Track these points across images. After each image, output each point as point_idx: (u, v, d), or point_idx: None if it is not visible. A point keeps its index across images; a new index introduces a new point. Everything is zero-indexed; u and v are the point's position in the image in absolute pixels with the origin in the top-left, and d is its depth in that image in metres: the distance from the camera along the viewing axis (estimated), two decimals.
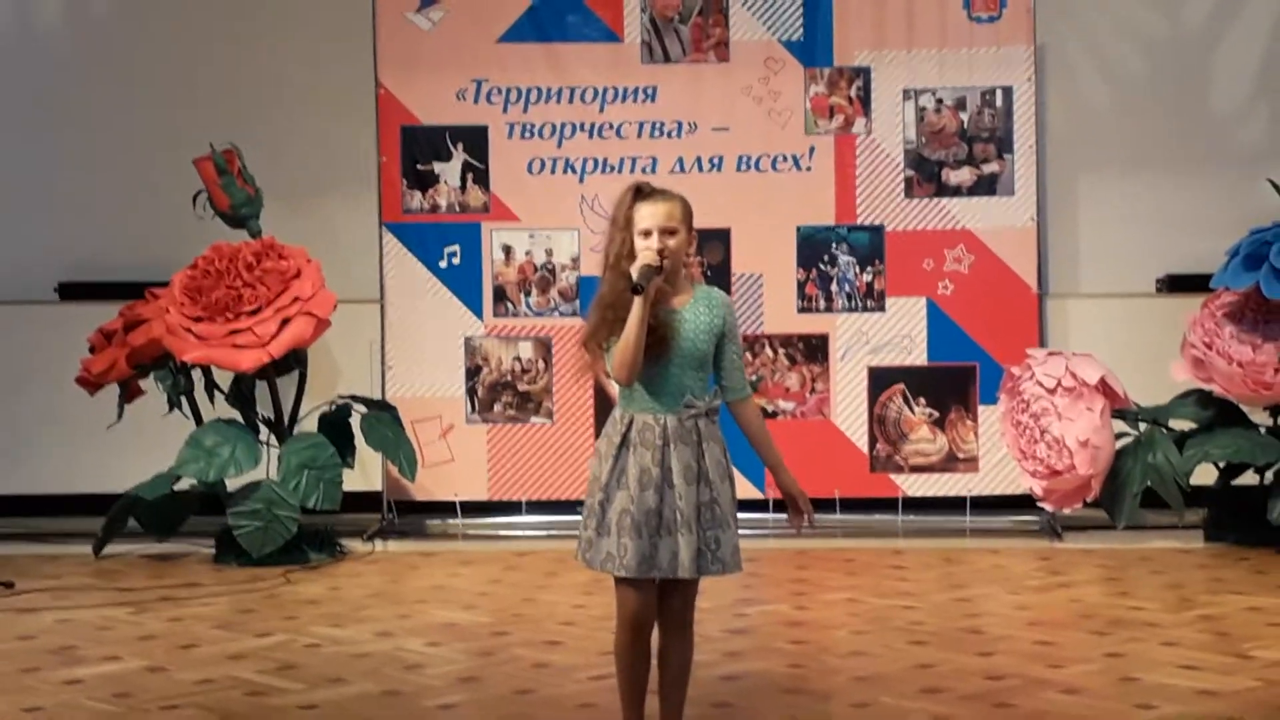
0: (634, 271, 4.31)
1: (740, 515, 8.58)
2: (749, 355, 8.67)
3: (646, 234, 4.37)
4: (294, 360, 8.16)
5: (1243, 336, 7.83)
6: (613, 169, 8.71)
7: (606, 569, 4.40)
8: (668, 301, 4.40)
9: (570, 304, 8.75)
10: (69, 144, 9.27)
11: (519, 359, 8.77)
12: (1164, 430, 7.97)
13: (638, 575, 4.37)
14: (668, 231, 4.37)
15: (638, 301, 4.28)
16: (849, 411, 8.70)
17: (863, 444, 8.67)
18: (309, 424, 8.27)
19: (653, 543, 4.36)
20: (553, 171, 8.75)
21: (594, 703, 5.28)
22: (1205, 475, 8.01)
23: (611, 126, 8.74)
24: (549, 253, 8.76)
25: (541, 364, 8.76)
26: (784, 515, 8.41)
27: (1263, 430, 7.98)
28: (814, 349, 8.71)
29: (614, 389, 4.54)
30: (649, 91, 8.74)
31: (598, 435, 8.56)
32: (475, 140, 8.77)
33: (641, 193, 4.44)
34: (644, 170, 8.68)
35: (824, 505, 8.65)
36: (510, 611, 6.70)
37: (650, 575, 4.38)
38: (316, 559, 7.89)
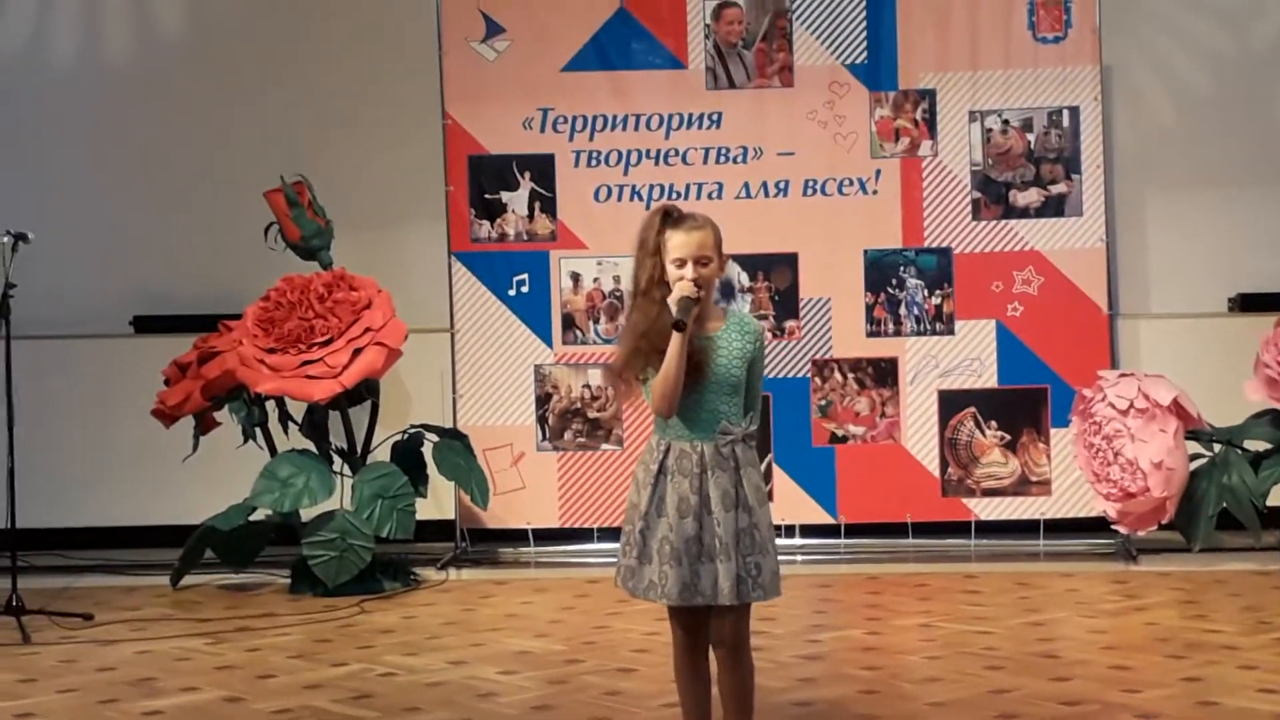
0: (673, 306, 4.30)
1: (812, 541, 8.71)
2: (818, 380, 8.67)
3: (680, 263, 4.35)
4: (366, 390, 8.21)
5: None
6: (679, 195, 8.73)
7: (649, 597, 4.44)
8: (702, 328, 4.40)
9: None
10: (141, 178, 9.38)
11: (588, 386, 8.80)
12: (1239, 451, 7.90)
13: (680, 603, 4.39)
14: (701, 261, 4.36)
15: (677, 336, 4.28)
16: (920, 435, 8.67)
17: (934, 468, 8.64)
18: (382, 453, 8.32)
19: (694, 570, 4.37)
20: (619, 199, 8.79)
21: None
22: None
23: (677, 153, 8.77)
24: (616, 280, 8.79)
25: (611, 391, 8.79)
26: (857, 540, 8.53)
27: None
28: (883, 373, 8.70)
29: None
30: (714, 117, 8.77)
31: None
32: (542, 169, 8.82)
33: (671, 218, 4.42)
34: (710, 197, 8.70)
35: (897, 530, 8.65)
36: (582, 639, 6.72)
37: (693, 602, 4.39)
38: (390, 588, 7.94)
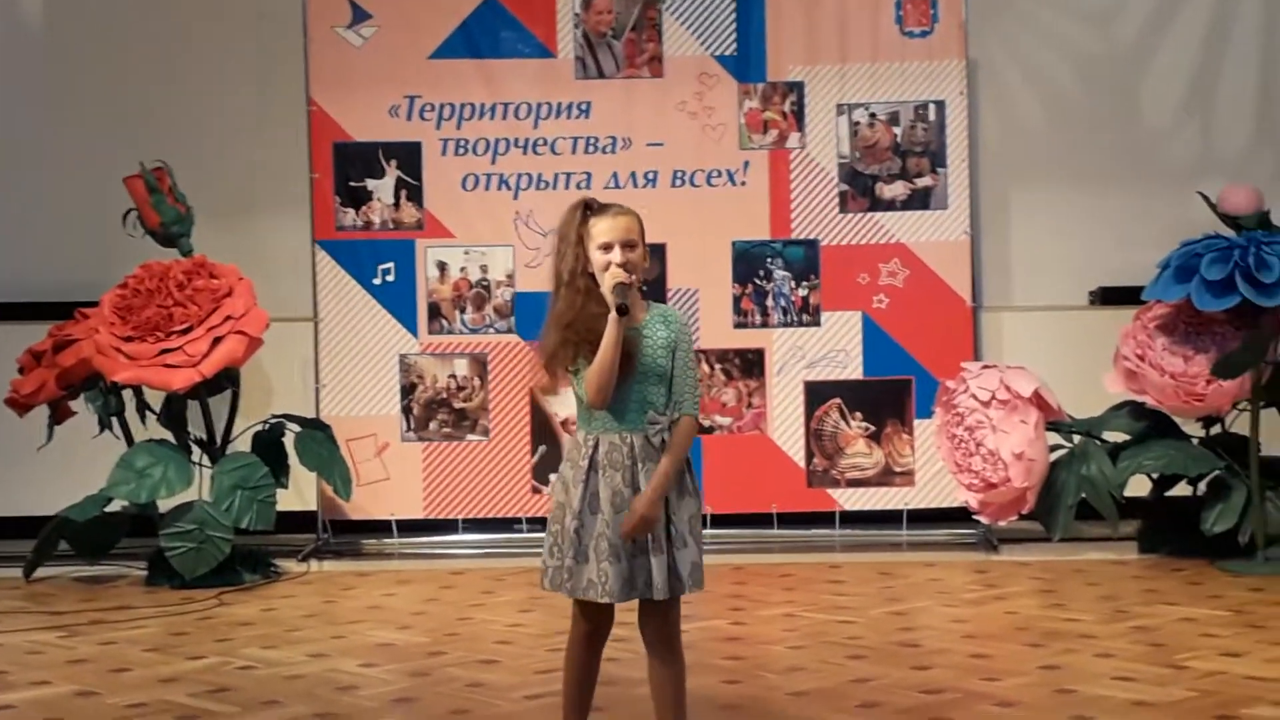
0: (607, 292, 4.25)
1: None
2: None
3: (607, 248, 4.30)
4: (226, 380, 8.09)
5: (1174, 348, 7.88)
6: (547, 185, 8.69)
7: (589, 596, 4.32)
8: (628, 319, 4.32)
9: (506, 320, 8.71)
10: None
11: (454, 376, 8.73)
12: (1098, 442, 8.01)
13: (621, 600, 4.32)
14: (628, 245, 4.32)
15: (613, 323, 4.22)
16: (786, 426, 8.70)
17: (800, 459, 8.67)
18: (242, 444, 8.21)
19: (630, 565, 4.30)
20: (487, 188, 8.73)
21: None
22: (1139, 487, 8.05)
23: (546, 142, 8.72)
24: (484, 269, 8.73)
25: (477, 381, 8.72)
26: (722, 530, 8.55)
27: (1195, 441, 8.03)
28: (750, 364, 8.71)
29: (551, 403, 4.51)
30: (583, 107, 8.73)
31: (533, 452, 8.62)
32: (408, 157, 8.73)
33: (592, 208, 4.39)
34: (579, 186, 8.67)
35: (762, 520, 8.67)
36: (446, 631, 6.65)
37: (632, 598, 4.33)
38: (250, 580, 7.83)
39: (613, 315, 4.22)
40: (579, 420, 4.41)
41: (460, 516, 8.70)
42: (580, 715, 4.56)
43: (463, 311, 8.74)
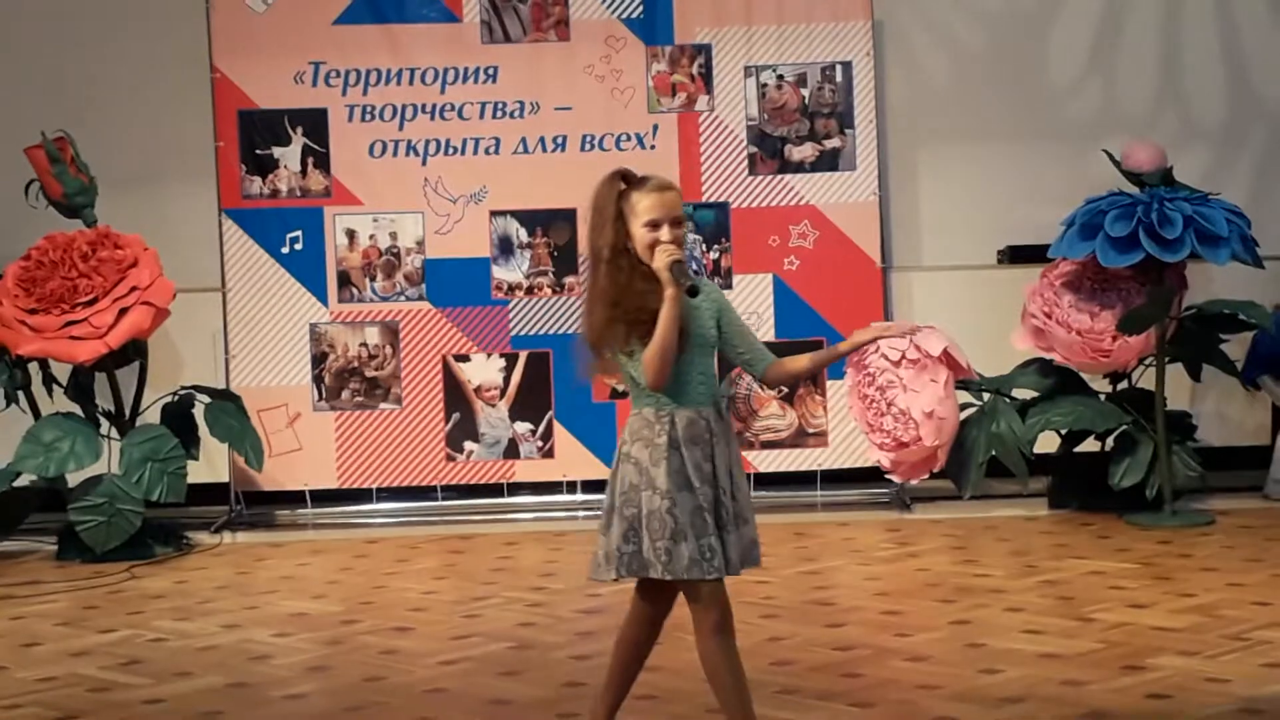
0: (663, 271, 4.04)
1: (594, 496, 8.72)
2: None
3: (655, 225, 4.08)
4: (133, 351, 8.01)
5: (1081, 305, 7.95)
6: (455, 150, 8.65)
7: (694, 575, 4.11)
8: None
9: (416, 288, 8.67)
10: None
11: (365, 345, 8.68)
12: (1007, 400, 8.07)
13: (731, 572, 4.16)
14: (676, 221, 4.12)
15: (672, 301, 4.01)
16: None
17: None
18: (151, 416, 8.13)
19: (723, 538, 4.14)
20: (395, 154, 8.67)
21: (444, 687, 5.24)
22: (1048, 443, 8.14)
23: (453, 108, 8.67)
24: (393, 236, 8.68)
25: (389, 349, 8.68)
26: None
27: (1102, 397, 8.11)
28: None
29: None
30: (490, 72, 8.68)
31: (447, 420, 8.58)
32: (315, 123, 8.65)
33: (630, 180, 4.17)
34: (487, 152, 8.63)
35: None
36: (360, 599, 6.64)
37: (734, 572, 4.18)
38: (161, 553, 7.76)
39: (671, 293, 4.02)
40: (641, 397, 4.18)
41: (374, 485, 8.67)
42: (620, 699, 4.41)
43: (373, 279, 8.69)
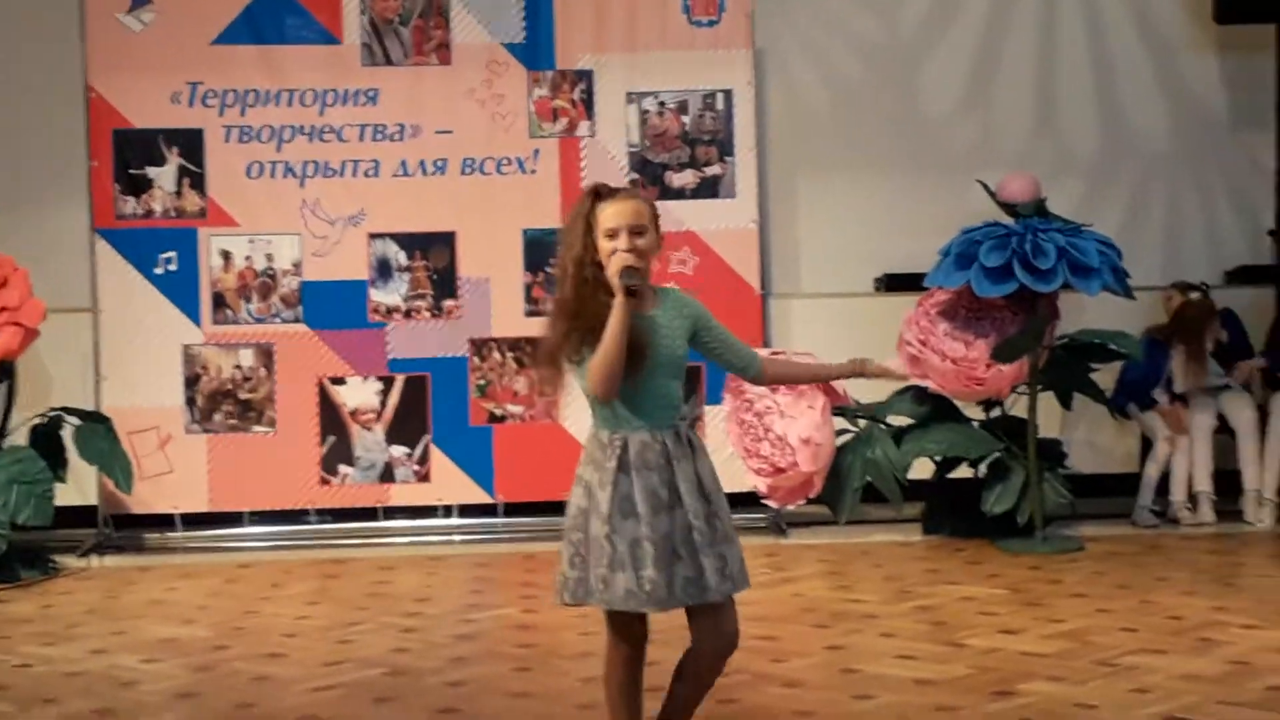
0: (613, 278, 3.96)
1: (470, 520, 8.69)
2: (476, 359, 8.63)
3: (613, 234, 4.02)
4: (2, 372, 7.86)
5: (956, 334, 8.04)
6: (334, 172, 8.59)
7: (629, 606, 4.02)
8: (642, 308, 4.05)
9: (293, 310, 8.58)
10: None
11: (239, 367, 8.58)
12: (882, 426, 8.14)
13: (666, 608, 4.04)
14: (636, 231, 4.03)
15: (619, 306, 3.93)
16: (577, 414, 8.64)
17: None
18: (19, 437, 7.99)
19: (672, 570, 4.01)
20: (272, 175, 8.59)
21: (316, 714, 5.17)
22: (922, 469, 8.21)
23: (332, 129, 8.61)
24: (269, 258, 8.59)
25: (264, 372, 8.58)
26: (515, 519, 8.53)
27: (975, 424, 8.20)
28: None
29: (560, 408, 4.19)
30: (370, 94, 8.63)
31: (322, 443, 8.50)
32: (191, 144, 8.55)
33: (601, 195, 4.11)
34: (366, 174, 8.58)
35: (556, 508, 8.62)
36: (231, 625, 6.54)
37: (676, 606, 4.05)
38: (28, 576, 7.62)
39: (619, 300, 3.93)
40: (600, 419, 4.09)
41: (246, 509, 8.56)
42: None
43: (248, 301, 8.59)
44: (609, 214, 4.06)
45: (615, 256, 4.00)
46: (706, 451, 4.19)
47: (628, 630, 4.18)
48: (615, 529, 4.01)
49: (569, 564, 4.11)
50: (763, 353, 4.44)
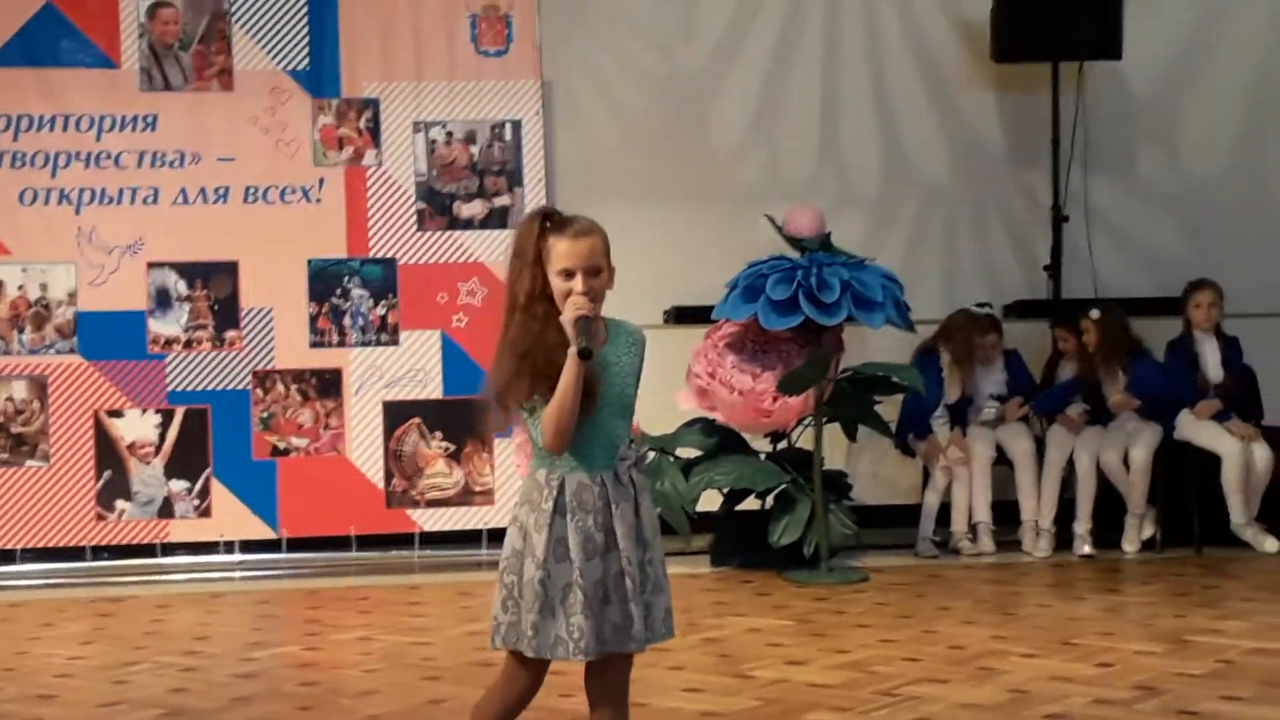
0: (568, 327, 3.72)
1: (252, 556, 8.52)
2: (259, 391, 8.47)
3: (568, 274, 3.77)
4: None
5: (743, 366, 8.10)
6: (112, 200, 8.38)
7: (557, 655, 3.83)
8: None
9: (68, 341, 8.34)
10: None
11: (12, 399, 8.31)
12: (671, 458, 8.16)
13: (595, 655, 3.83)
14: (591, 271, 3.78)
15: (573, 364, 3.70)
16: (364, 447, 8.58)
17: (379, 480, 8.57)
18: None
19: (601, 616, 3.83)
20: (46, 202, 8.35)
21: None
22: (711, 501, 8.24)
23: (109, 156, 8.40)
24: (44, 287, 8.34)
25: (37, 404, 8.32)
26: (299, 554, 8.39)
27: (763, 456, 8.26)
28: (327, 384, 8.56)
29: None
30: (149, 120, 8.44)
31: (98, 477, 8.27)
32: None
33: (552, 222, 3.85)
34: (145, 201, 8.39)
35: (340, 543, 8.52)
36: (2, 666, 6.31)
37: (603, 653, 3.84)
38: None
39: (572, 353, 3.71)
40: (536, 458, 3.90)
41: (18, 546, 8.29)
42: None
43: (21, 331, 8.33)
44: (562, 252, 3.80)
45: (570, 301, 3.77)
46: (650, 492, 4.02)
47: (537, 673, 3.98)
48: (549, 574, 3.82)
49: (501, 607, 3.90)
50: None
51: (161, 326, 8.44)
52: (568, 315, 3.75)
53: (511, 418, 3.87)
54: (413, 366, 8.63)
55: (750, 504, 8.35)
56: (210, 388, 8.43)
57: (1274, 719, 5.17)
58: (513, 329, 3.84)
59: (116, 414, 8.39)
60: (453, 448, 8.64)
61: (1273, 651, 6.13)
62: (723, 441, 8.23)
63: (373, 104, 8.63)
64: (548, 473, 3.86)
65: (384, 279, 8.63)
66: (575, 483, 3.84)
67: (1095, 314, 8.60)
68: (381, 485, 8.57)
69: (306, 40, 8.55)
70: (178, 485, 8.41)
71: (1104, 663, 5.97)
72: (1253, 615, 6.81)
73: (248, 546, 8.44)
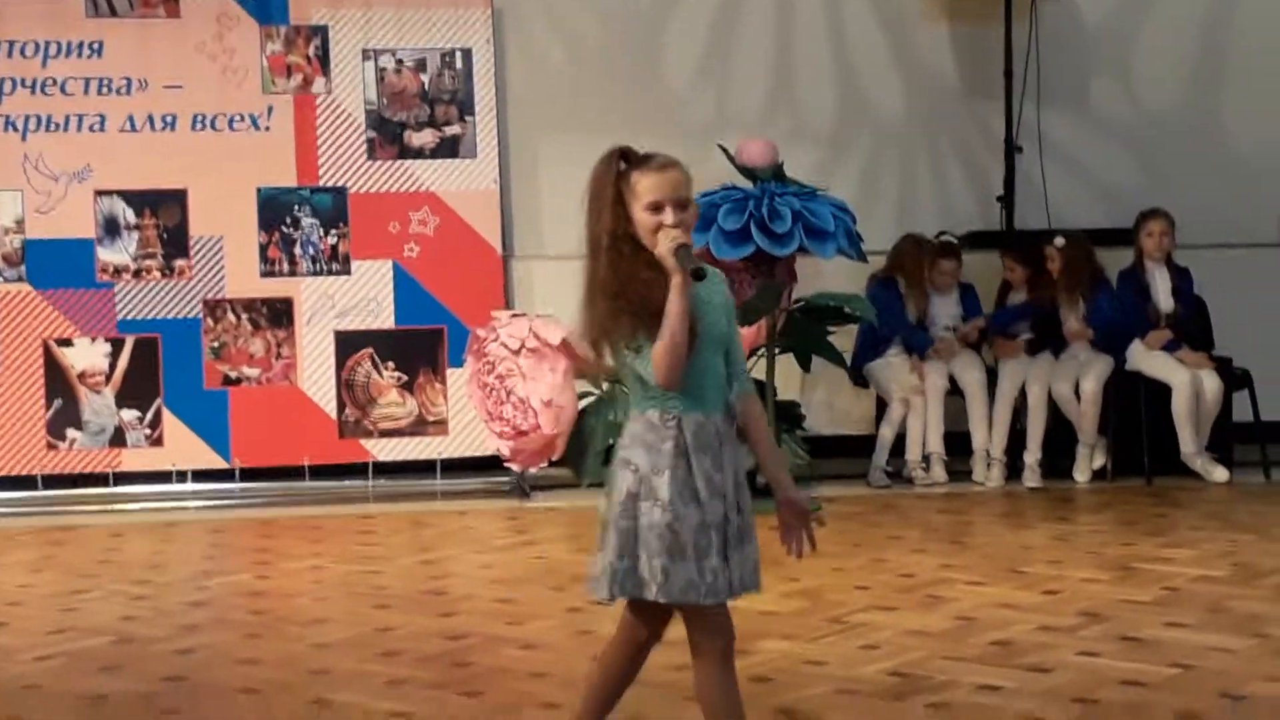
0: (666, 256, 3.60)
1: (205, 486, 8.50)
2: (210, 321, 8.43)
3: (656, 207, 3.66)
4: None
5: None
6: (58, 127, 8.30)
7: (689, 599, 3.68)
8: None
9: (15, 269, 8.28)
10: None
11: None
12: (622, 389, 8.14)
13: (722, 599, 3.71)
14: (680, 204, 3.67)
15: (679, 291, 3.57)
16: (316, 377, 8.54)
17: (331, 410, 8.54)
18: None
19: (728, 558, 3.71)
20: None
21: (38, 684, 5.00)
22: None
23: (55, 83, 8.30)
24: None
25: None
26: (252, 484, 8.38)
27: None
28: (278, 314, 8.52)
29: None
30: (95, 47, 8.34)
31: (48, 407, 8.21)
32: None
33: (630, 159, 3.76)
34: (91, 128, 8.31)
35: (293, 473, 8.50)
36: None
37: (733, 597, 3.73)
38: None
39: (678, 282, 3.58)
40: (644, 398, 3.71)
41: None
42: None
43: None
44: (649, 185, 3.71)
45: (664, 233, 3.65)
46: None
47: (652, 620, 3.86)
48: (679, 516, 3.68)
49: (617, 554, 3.73)
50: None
51: (110, 255, 8.38)
52: (664, 245, 3.64)
53: (603, 362, 3.77)
54: (365, 296, 8.59)
55: None
56: (160, 316, 8.37)
57: (1216, 644, 5.23)
58: (600, 270, 3.73)
59: (66, 343, 8.33)
60: (406, 378, 8.62)
61: (1218, 579, 6.20)
62: None
63: (321, 31, 8.55)
64: (660, 412, 3.70)
65: (334, 208, 8.57)
66: (694, 422, 3.70)
67: (1060, 242, 8.64)
68: (334, 415, 8.54)
69: None
70: (129, 414, 8.36)
71: (1051, 590, 6.02)
72: (1200, 544, 6.88)
73: (200, 476, 8.41)
